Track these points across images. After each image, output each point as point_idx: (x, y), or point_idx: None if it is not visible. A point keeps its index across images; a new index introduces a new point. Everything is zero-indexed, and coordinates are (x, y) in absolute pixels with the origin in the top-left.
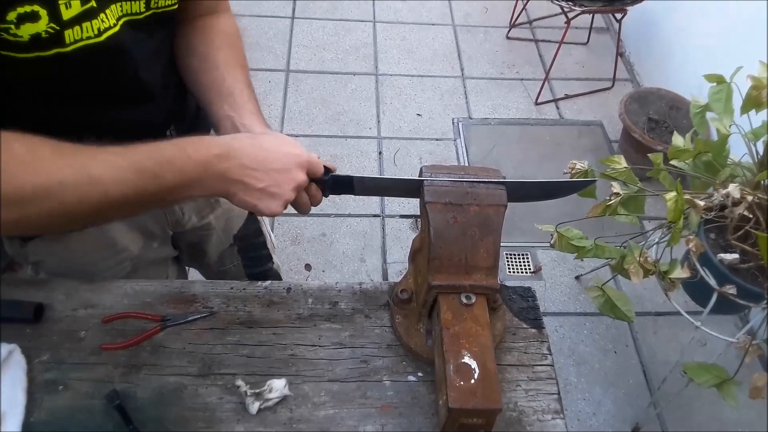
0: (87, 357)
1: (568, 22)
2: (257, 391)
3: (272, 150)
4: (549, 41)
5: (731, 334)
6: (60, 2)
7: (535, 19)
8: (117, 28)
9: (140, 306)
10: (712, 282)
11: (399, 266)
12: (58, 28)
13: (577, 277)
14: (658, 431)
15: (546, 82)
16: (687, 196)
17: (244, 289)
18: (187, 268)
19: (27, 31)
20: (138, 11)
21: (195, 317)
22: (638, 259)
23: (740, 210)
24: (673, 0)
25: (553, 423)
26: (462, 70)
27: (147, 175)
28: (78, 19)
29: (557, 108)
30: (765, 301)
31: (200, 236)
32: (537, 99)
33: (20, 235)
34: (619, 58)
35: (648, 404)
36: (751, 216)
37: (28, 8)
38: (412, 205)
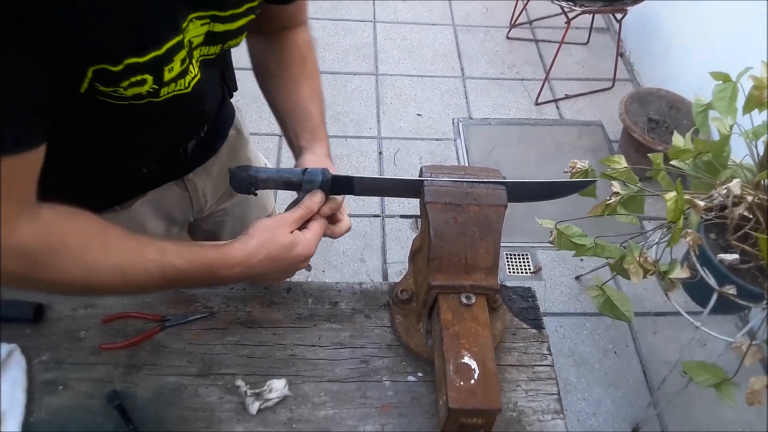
0: (87, 357)
1: (568, 22)
2: (257, 391)
3: (283, 259)
4: (549, 41)
5: (731, 334)
6: (165, 68)
7: (535, 19)
8: (199, 75)
9: (140, 306)
10: (712, 282)
11: (399, 266)
12: (157, 87)
13: (577, 278)
14: (658, 431)
15: (546, 82)
16: (687, 196)
17: (244, 289)
18: None
19: (132, 91)
20: (214, 52)
21: (195, 317)
22: (638, 259)
23: (740, 210)
24: (673, 0)
25: (553, 423)
26: (462, 70)
27: (172, 282)
28: (175, 78)
29: (557, 108)
30: (765, 302)
31: (216, 223)
32: (537, 99)
33: None
34: (619, 58)
35: (648, 404)
36: (751, 216)
37: (139, 77)
38: (412, 205)
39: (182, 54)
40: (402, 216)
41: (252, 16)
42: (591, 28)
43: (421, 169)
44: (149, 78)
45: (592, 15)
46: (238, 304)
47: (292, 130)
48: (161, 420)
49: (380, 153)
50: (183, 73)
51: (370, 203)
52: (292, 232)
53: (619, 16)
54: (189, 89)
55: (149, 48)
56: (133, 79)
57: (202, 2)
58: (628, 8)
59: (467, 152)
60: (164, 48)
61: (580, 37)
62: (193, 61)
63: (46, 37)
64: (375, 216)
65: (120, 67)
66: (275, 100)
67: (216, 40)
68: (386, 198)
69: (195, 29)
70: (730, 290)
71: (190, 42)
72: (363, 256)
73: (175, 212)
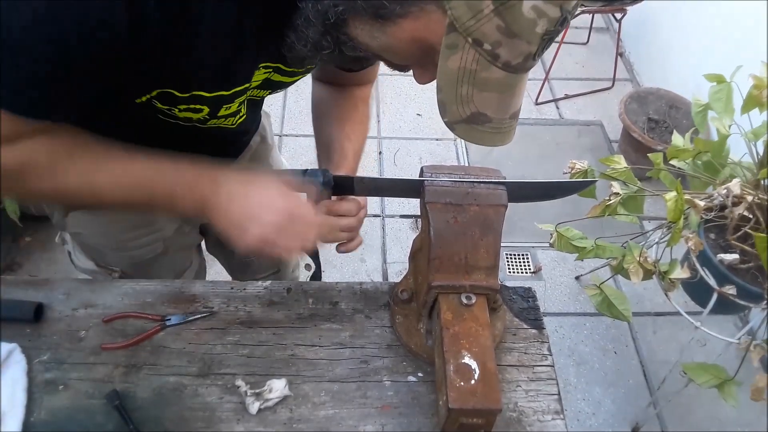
0: (87, 357)
1: None
2: (257, 391)
3: (279, 207)
4: None
5: (731, 334)
6: (224, 106)
7: None
8: (245, 117)
9: (140, 306)
10: (712, 282)
11: (399, 266)
12: (209, 118)
13: (577, 278)
14: (657, 431)
15: (546, 82)
16: (687, 196)
17: (244, 289)
18: (206, 258)
19: (185, 115)
20: (263, 96)
21: (195, 317)
22: (638, 259)
23: (740, 210)
24: (673, 0)
25: (553, 423)
26: None
27: (143, 194)
28: (227, 116)
29: (557, 108)
30: (765, 302)
31: None
32: (537, 99)
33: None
34: (618, 57)
35: (648, 404)
36: (750, 216)
37: (198, 106)
38: (412, 205)
39: (243, 98)
40: (402, 216)
41: (306, 75)
42: (591, 27)
43: (421, 169)
44: (206, 109)
45: (591, 15)
46: (238, 304)
47: (321, 160)
48: (161, 420)
49: (380, 153)
50: (235, 113)
51: (370, 203)
52: None
53: (618, 15)
54: (234, 126)
55: (220, 88)
56: (192, 106)
57: (273, 54)
58: (627, 8)
59: (467, 152)
60: (232, 90)
61: (579, 36)
62: (245, 101)
63: (138, 63)
64: (375, 216)
65: (186, 95)
66: (319, 133)
67: (269, 86)
68: (386, 198)
69: (257, 75)
70: (730, 290)
71: (250, 85)
72: (363, 256)
73: None
